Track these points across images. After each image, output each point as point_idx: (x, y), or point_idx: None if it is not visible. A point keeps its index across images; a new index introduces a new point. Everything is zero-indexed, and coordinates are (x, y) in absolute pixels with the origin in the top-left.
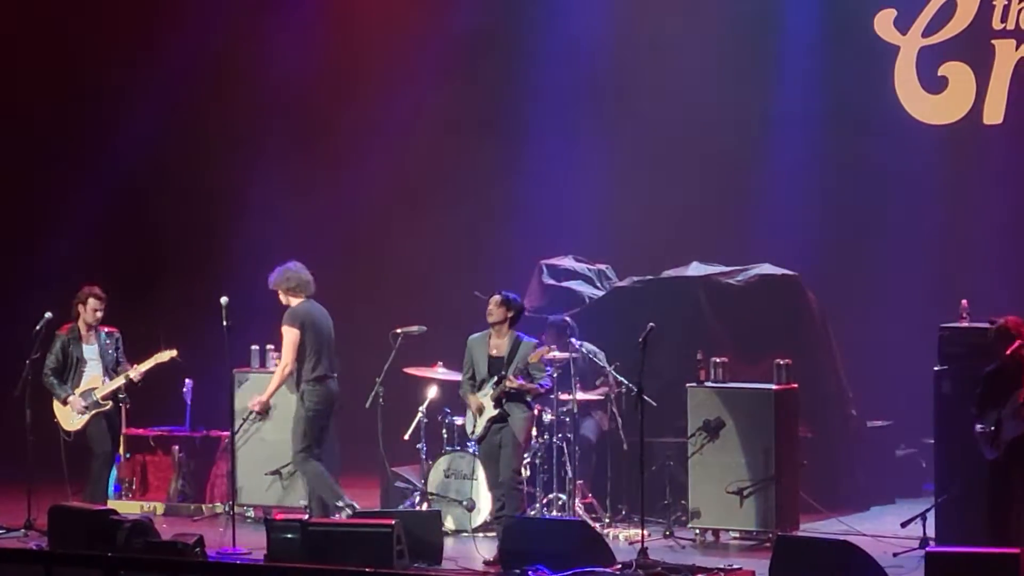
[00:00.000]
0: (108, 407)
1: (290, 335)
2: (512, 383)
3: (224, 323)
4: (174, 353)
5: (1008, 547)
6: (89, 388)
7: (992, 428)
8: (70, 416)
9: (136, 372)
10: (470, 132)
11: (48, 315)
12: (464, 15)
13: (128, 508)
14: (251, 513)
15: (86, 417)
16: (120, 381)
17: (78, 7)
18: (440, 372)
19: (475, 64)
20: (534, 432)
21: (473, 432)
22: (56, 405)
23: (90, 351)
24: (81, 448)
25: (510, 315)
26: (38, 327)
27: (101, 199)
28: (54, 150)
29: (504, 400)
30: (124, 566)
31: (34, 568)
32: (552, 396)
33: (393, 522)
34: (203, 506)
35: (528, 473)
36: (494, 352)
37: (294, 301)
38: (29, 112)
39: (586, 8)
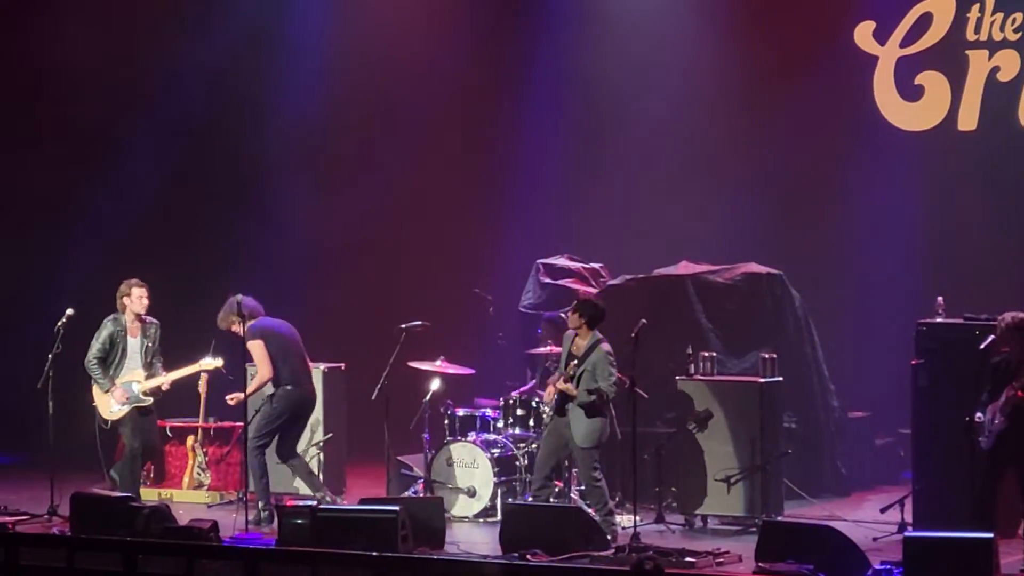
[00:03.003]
0: (149, 403)
1: (255, 347)
2: (562, 386)
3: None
4: (219, 363)
5: (992, 531)
6: (130, 380)
7: (989, 418)
8: (109, 405)
9: (169, 378)
10: (472, 135)
11: (69, 311)
12: (463, 23)
13: (146, 495)
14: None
15: (126, 409)
16: (160, 381)
17: None
18: (442, 365)
19: (477, 68)
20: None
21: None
22: (96, 392)
23: (134, 344)
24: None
25: (584, 320)
26: (59, 323)
27: (135, 200)
28: (87, 157)
29: (568, 401)
30: (143, 550)
31: (57, 552)
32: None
33: (398, 508)
34: (218, 493)
35: (526, 462)
36: (574, 350)
37: (248, 324)
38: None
39: (579, 15)
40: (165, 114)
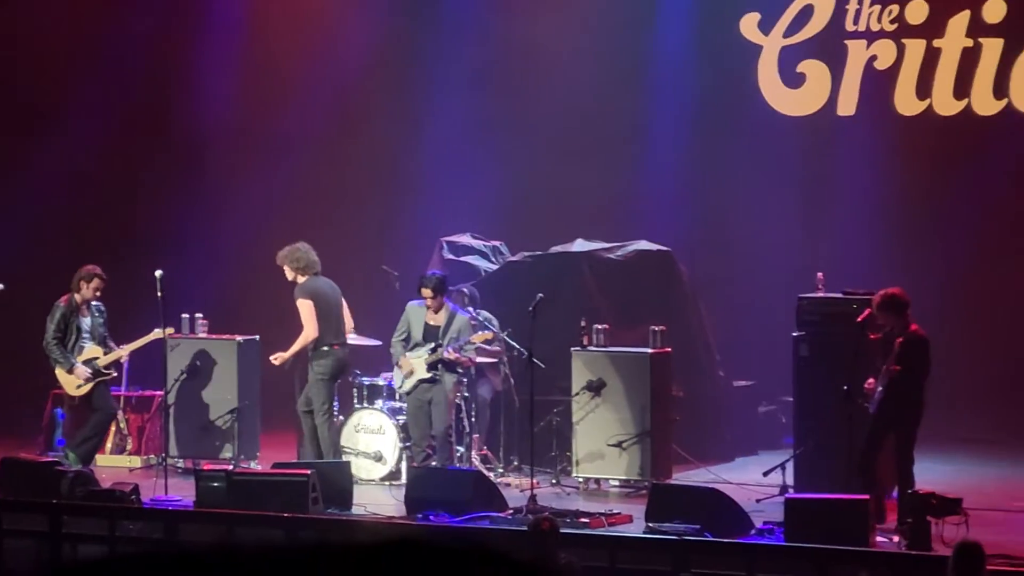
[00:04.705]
0: (112, 375)
1: (304, 307)
2: (450, 355)
3: (158, 294)
4: (170, 330)
5: (873, 490)
6: (90, 357)
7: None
8: (74, 383)
9: (127, 350)
10: (376, 117)
11: (0, 286)
12: (371, 8)
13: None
14: (181, 464)
15: (91, 384)
16: (120, 354)
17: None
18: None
19: (379, 52)
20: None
21: (401, 387)
22: (59, 372)
23: (86, 323)
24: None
25: (438, 294)
26: None
27: (56, 178)
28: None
29: (439, 366)
30: (68, 512)
31: None
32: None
33: (308, 472)
34: (139, 458)
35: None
36: (431, 321)
37: (300, 279)
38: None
39: (480, 1)
40: (100, 88)
